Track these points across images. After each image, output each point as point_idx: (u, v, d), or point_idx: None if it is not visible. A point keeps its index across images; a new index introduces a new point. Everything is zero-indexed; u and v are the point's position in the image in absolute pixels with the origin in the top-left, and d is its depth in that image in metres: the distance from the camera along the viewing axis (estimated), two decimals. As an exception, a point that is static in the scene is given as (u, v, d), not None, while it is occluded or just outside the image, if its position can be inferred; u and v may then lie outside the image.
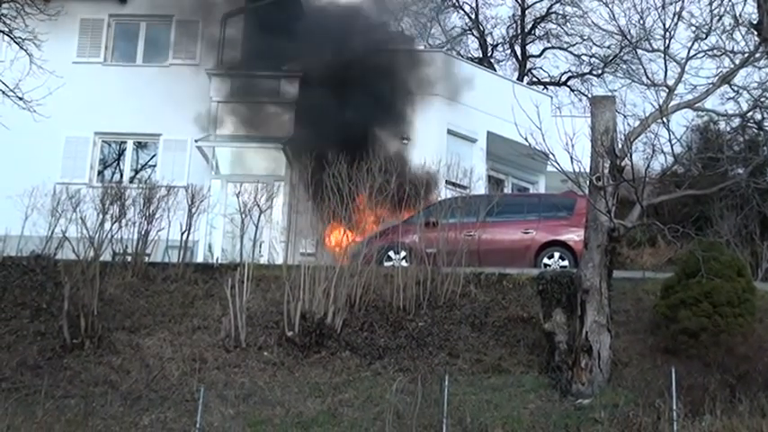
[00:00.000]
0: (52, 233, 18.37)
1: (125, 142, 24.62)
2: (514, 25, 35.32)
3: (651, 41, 16.98)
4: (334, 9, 24.31)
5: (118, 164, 24.75)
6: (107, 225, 17.98)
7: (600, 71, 34.65)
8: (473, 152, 24.51)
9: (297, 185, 18.57)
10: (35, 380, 14.98)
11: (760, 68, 19.49)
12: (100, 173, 24.49)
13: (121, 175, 24.39)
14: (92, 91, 23.98)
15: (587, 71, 35.22)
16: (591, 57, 34.74)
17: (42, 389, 14.56)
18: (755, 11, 21.63)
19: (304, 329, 15.74)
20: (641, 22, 16.93)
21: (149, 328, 16.35)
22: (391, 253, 18.75)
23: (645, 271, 18.33)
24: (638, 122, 15.28)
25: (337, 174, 17.71)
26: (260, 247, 19.89)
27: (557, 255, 18.89)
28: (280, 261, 19.39)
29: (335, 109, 22.43)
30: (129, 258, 18.23)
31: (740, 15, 19.87)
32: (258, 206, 18.63)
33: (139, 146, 24.72)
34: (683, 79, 15.68)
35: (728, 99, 21.09)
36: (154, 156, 24.44)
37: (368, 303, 16.68)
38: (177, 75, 24.21)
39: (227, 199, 22.04)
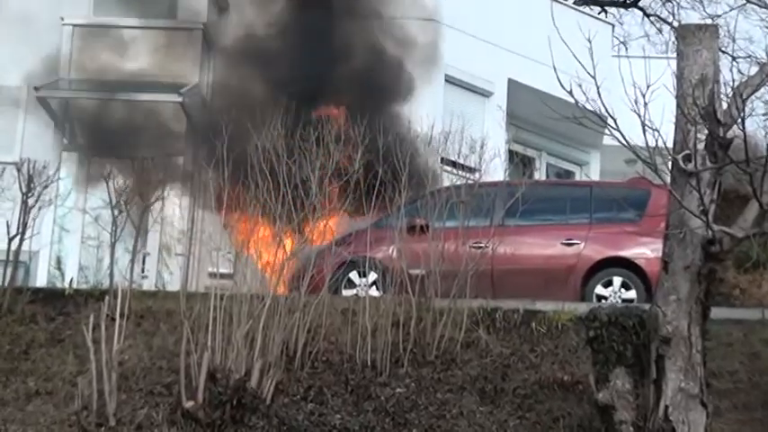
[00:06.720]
0: None
1: None
2: None
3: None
4: None
5: None
6: None
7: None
8: (486, 112, 25.23)
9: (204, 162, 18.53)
10: None
11: None
12: None
13: None
14: None
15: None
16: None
17: None
18: None
19: (213, 398, 15.48)
20: None
21: (-51, 396, 16.19)
22: (354, 275, 19.00)
23: (765, 309, 18.28)
24: (756, 68, 14.85)
25: (270, 145, 17.53)
26: (143, 262, 20.06)
27: (617, 281, 19.27)
28: (175, 286, 19.73)
29: (272, 36, 22.86)
30: None
31: None
32: (140, 197, 18.32)
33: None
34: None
35: None
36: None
37: (316, 357, 16.60)
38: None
39: (89, 184, 22.21)
